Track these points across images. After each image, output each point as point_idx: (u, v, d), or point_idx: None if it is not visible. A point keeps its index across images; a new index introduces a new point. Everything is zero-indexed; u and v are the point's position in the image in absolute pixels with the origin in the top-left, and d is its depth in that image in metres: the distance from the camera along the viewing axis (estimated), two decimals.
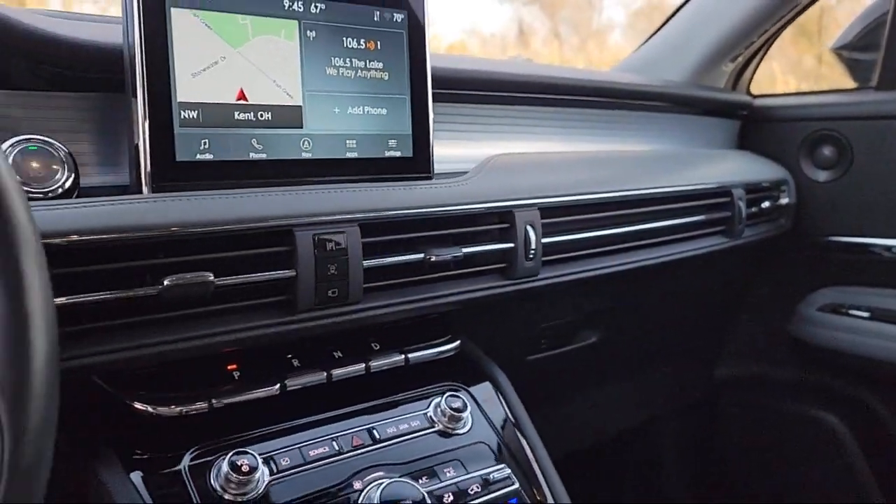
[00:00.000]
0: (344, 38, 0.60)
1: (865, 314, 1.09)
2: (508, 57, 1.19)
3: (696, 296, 1.12)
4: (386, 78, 0.62)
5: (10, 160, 0.48)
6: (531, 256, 0.69)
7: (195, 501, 0.48)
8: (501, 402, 0.66)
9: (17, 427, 0.28)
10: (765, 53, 1.19)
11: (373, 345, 0.63)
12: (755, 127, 1.17)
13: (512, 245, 0.68)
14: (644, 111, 1.02)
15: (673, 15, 1.20)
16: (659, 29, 1.22)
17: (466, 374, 0.67)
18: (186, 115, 0.52)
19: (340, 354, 0.61)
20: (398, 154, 0.63)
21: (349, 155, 0.61)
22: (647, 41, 1.24)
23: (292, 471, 0.52)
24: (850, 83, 1.22)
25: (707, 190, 0.92)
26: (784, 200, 1.09)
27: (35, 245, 0.31)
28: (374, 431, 0.58)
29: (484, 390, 0.67)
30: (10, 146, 0.49)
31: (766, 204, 1.04)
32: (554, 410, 1.01)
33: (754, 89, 1.22)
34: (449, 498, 0.55)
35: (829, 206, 1.11)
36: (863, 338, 1.08)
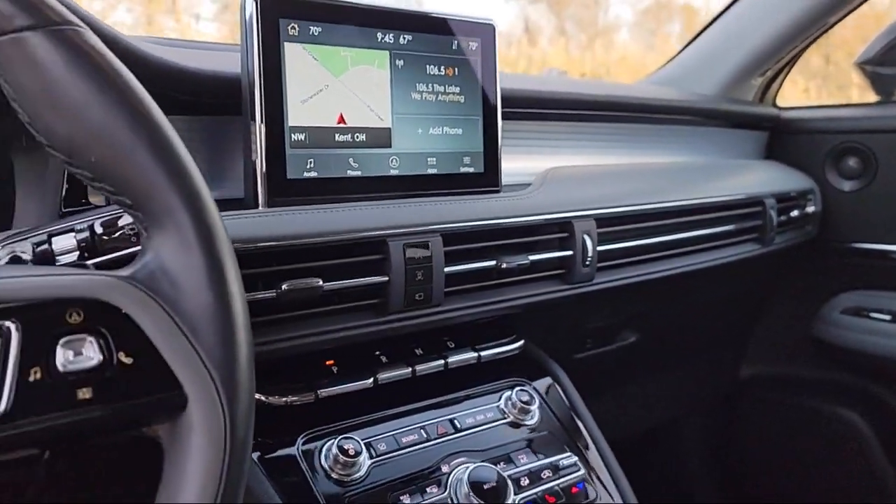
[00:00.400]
0: (427, 66, 0.66)
1: (887, 317, 1.15)
2: (541, 70, 1.25)
3: (724, 298, 1.18)
4: (462, 101, 0.69)
5: None
6: (587, 263, 0.75)
7: (309, 479, 0.55)
8: (562, 396, 0.73)
9: (233, 403, 0.34)
10: (792, 67, 1.24)
11: (448, 343, 0.69)
12: (782, 138, 1.23)
13: (571, 253, 0.74)
14: (679, 125, 1.08)
15: (704, 29, 1.26)
16: (690, 43, 1.28)
17: (530, 370, 0.74)
18: (296, 138, 0.59)
19: (421, 351, 0.67)
20: (471, 170, 0.70)
21: (430, 171, 0.67)
22: (678, 54, 1.30)
23: (389, 455, 0.59)
24: (873, 96, 1.28)
25: (741, 200, 0.98)
26: (810, 209, 1.15)
27: (230, 244, 0.37)
28: (456, 421, 0.64)
29: (546, 385, 0.73)
30: None
31: (794, 213, 1.10)
32: (593, 406, 1.07)
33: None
34: (525, 482, 0.62)
35: (853, 214, 1.17)
36: (884, 339, 1.14)
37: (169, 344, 0.34)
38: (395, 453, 0.59)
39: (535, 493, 0.61)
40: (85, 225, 0.43)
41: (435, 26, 0.66)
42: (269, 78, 0.57)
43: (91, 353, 0.32)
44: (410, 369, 0.65)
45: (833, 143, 1.18)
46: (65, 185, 0.55)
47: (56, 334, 0.32)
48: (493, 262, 0.68)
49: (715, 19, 1.24)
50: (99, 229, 0.43)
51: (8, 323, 0.31)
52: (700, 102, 1.11)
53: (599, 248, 0.76)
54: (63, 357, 0.32)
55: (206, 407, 0.34)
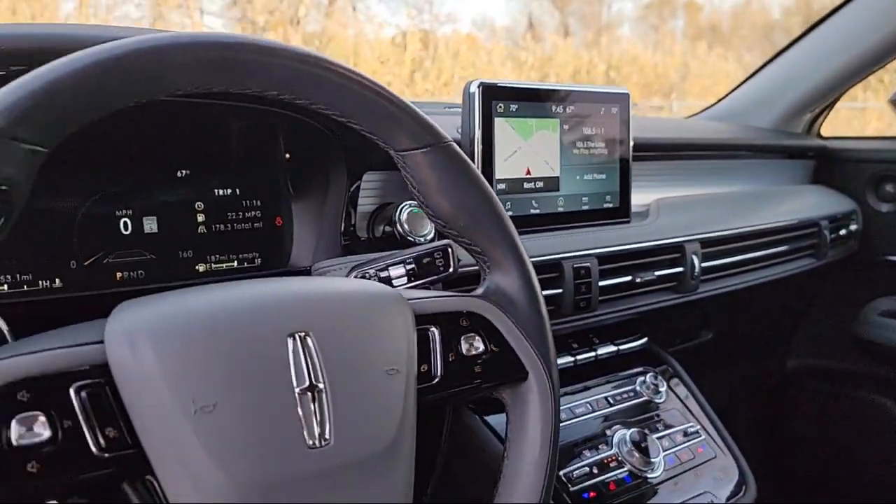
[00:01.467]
0: (583, 129, 0.86)
1: None
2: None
3: (778, 302, 1.38)
4: (606, 153, 0.89)
5: (406, 215, 0.75)
6: (694, 277, 0.95)
7: None
8: (681, 380, 0.93)
9: (551, 373, 0.54)
10: (836, 102, 1.44)
11: (594, 339, 0.90)
12: (828, 165, 1.43)
13: (683, 269, 0.94)
14: (743, 158, 1.28)
15: (760, 69, 1.46)
16: (746, 80, 1.48)
17: (653, 360, 0.94)
18: (499, 187, 0.79)
19: (577, 346, 0.88)
20: (611, 205, 0.90)
21: (584, 207, 0.87)
22: (735, 89, 1.49)
23: (568, 421, 0.79)
24: None
25: (803, 222, 1.18)
26: (854, 227, 1.34)
27: (534, 273, 0.57)
28: (609, 398, 0.85)
29: (665, 371, 0.94)
30: (406, 205, 0.75)
31: (842, 231, 1.30)
32: None
33: None
34: (666, 443, 0.82)
35: (890, 231, 1.37)
36: None
37: (513, 337, 0.54)
38: (571, 420, 0.80)
39: (673, 452, 0.82)
40: (410, 258, 0.63)
41: (589, 98, 0.87)
42: (485, 143, 0.77)
43: (479, 345, 0.53)
44: (573, 359, 0.85)
45: (873, 171, 1.38)
46: (345, 226, 0.76)
47: (457, 333, 0.52)
48: (629, 278, 0.88)
49: (770, 61, 1.44)
50: (421, 261, 0.63)
51: (433, 328, 0.51)
52: (760, 139, 1.31)
53: (703, 265, 0.97)
54: (465, 346, 0.52)
55: (538, 376, 0.54)
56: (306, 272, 0.74)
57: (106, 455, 0.39)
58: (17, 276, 0.64)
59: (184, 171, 0.73)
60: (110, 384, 0.40)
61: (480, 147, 0.77)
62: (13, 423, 0.36)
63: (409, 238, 0.75)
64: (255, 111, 0.73)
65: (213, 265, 0.75)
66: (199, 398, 0.40)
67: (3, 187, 0.38)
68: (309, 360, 0.43)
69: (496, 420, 0.76)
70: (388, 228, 0.77)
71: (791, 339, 1.51)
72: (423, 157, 0.53)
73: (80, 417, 0.38)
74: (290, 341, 0.43)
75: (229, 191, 0.76)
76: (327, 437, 0.42)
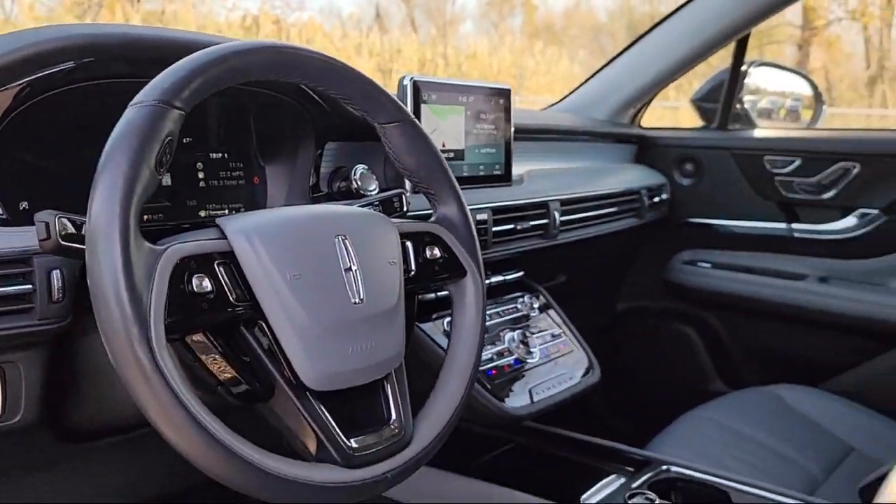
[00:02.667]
0: (480, 114, 1.15)
1: (709, 265, 1.78)
2: None
3: (611, 254, 1.76)
4: (495, 133, 1.18)
5: (359, 174, 1.00)
6: (556, 227, 1.28)
7: None
8: (547, 302, 1.25)
9: (480, 272, 0.82)
10: (651, 101, 1.84)
11: (487, 271, 1.19)
12: (645, 149, 1.82)
13: (548, 221, 1.26)
14: (586, 141, 1.64)
15: (595, 73, 1.82)
16: (585, 81, 1.84)
17: (527, 288, 1.26)
18: None
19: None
20: (499, 173, 1.20)
21: (480, 173, 1.16)
22: (577, 89, 1.85)
23: None
24: (700, 122, 1.90)
25: (629, 190, 1.55)
26: (664, 196, 1.74)
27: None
28: (500, 312, 1.15)
29: (537, 296, 1.26)
30: (359, 167, 1.00)
31: (656, 199, 1.69)
32: None
33: None
34: (540, 340, 1.14)
35: (690, 199, 1.79)
36: (708, 280, 1.77)
37: (456, 248, 0.81)
38: None
39: (545, 346, 1.14)
40: (377, 201, 0.89)
41: (484, 92, 1.16)
42: None
43: (437, 252, 0.79)
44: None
45: (677, 154, 1.79)
46: (311, 182, 0.99)
47: (423, 244, 0.79)
48: (512, 226, 1.19)
49: (603, 67, 1.81)
50: (384, 203, 0.89)
51: (407, 241, 0.77)
52: (599, 127, 1.68)
53: (561, 219, 1.29)
54: (428, 252, 0.79)
55: (473, 274, 0.82)
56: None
57: (238, 304, 0.62)
58: None
59: (188, 139, 0.94)
60: (235, 263, 0.63)
61: None
62: (193, 278, 0.59)
63: (362, 192, 1.00)
64: (229, 91, 0.94)
65: (211, 212, 0.96)
66: (291, 271, 0.64)
67: (168, 139, 0.60)
68: (347, 252, 0.69)
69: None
70: (343, 185, 1.02)
71: (620, 285, 1.91)
72: (396, 128, 0.79)
73: (223, 281, 0.62)
74: (336, 240, 0.68)
75: (220, 154, 0.97)
76: (362, 297, 0.68)
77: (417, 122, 0.81)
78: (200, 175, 0.95)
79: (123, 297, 0.53)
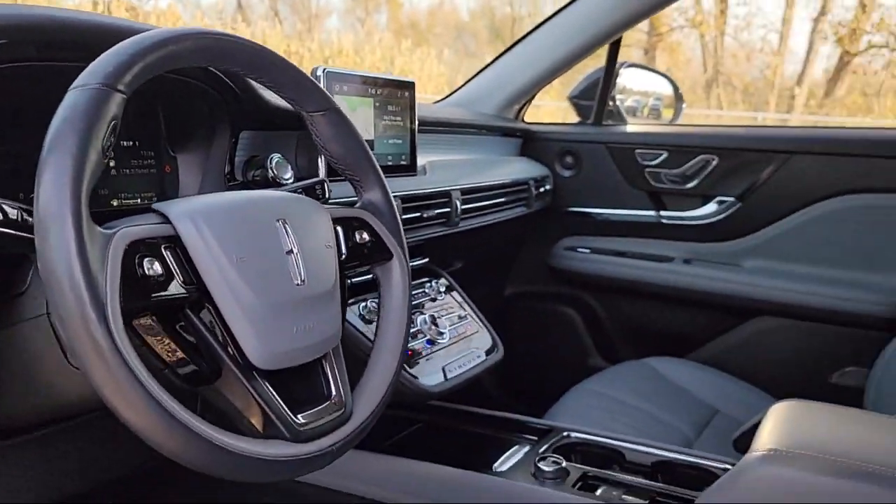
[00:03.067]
0: (388, 106, 1.19)
1: (587, 250, 1.91)
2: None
3: (502, 241, 1.85)
4: (401, 125, 1.22)
5: (274, 163, 1.00)
6: (457, 215, 1.34)
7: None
8: (452, 286, 1.31)
9: (405, 256, 0.86)
10: (533, 98, 1.94)
11: None
12: (530, 142, 1.93)
13: (450, 209, 1.32)
14: (477, 135, 1.71)
15: (480, 72, 1.90)
16: (471, 79, 1.92)
17: (432, 274, 1.31)
18: None
19: None
20: (405, 163, 1.24)
21: (388, 163, 1.20)
22: (463, 86, 1.92)
23: None
24: (576, 118, 2.03)
25: (517, 181, 1.64)
26: (548, 187, 1.86)
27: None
28: (415, 293, 1.19)
29: (443, 280, 1.31)
30: (274, 156, 1.00)
31: (542, 189, 1.80)
32: None
33: None
34: (448, 322, 1.19)
35: (570, 190, 1.91)
36: (585, 264, 1.90)
37: (382, 232, 0.85)
38: None
39: (454, 327, 1.19)
40: (300, 189, 0.90)
41: (390, 84, 1.19)
42: None
43: (365, 237, 0.82)
44: None
45: (558, 147, 1.91)
46: (226, 171, 0.98)
47: (352, 229, 0.81)
48: (419, 213, 1.23)
49: (491, 63, 1.89)
50: (308, 191, 0.90)
51: (337, 226, 0.80)
52: (489, 121, 1.75)
53: (462, 207, 1.35)
54: (357, 237, 0.81)
55: (398, 257, 0.85)
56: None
57: (185, 287, 0.62)
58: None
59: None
60: (181, 246, 0.63)
61: None
62: (144, 262, 0.59)
63: (278, 180, 1.01)
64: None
65: (123, 201, 0.93)
66: (237, 254, 0.65)
67: (114, 122, 0.60)
68: (288, 235, 0.70)
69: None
70: (258, 174, 1.02)
71: (508, 271, 2.01)
72: (323, 117, 0.81)
73: (170, 264, 0.62)
74: (277, 224, 0.70)
75: (132, 143, 0.95)
76: (304, 279, 0.70)
77: (342, 111, 0.83)
78: (112, 163, 0.92)
79: (79, 282, 0.53)
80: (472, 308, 1.30)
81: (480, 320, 1.29)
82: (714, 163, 1.73)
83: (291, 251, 0.70)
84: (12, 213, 0.59)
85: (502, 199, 1.55)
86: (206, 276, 0.64)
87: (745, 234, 1.74)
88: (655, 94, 2.16)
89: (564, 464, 0.99)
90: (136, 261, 0.59)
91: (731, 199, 1.75)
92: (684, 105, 2.12)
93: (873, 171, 1.57)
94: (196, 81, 0.93)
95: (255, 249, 0.67)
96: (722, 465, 1.03)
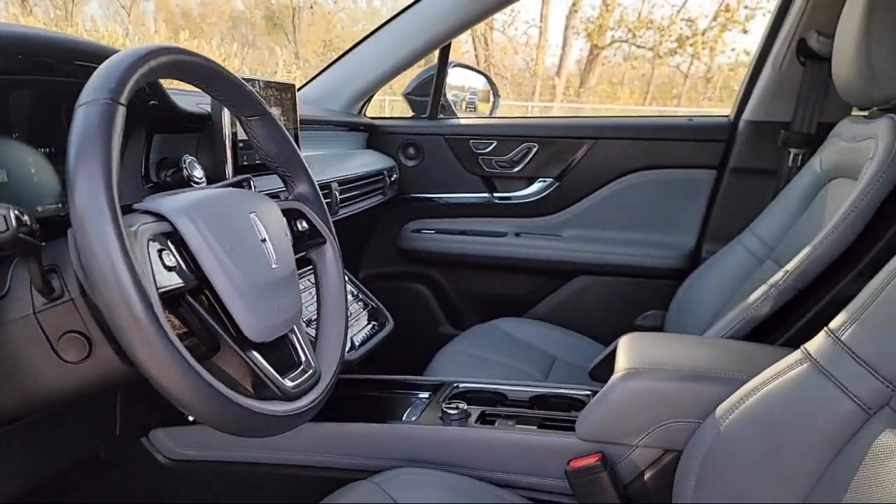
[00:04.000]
0: (271, 108, 1.27)
1: (432, 231, 2.11)
2: None
3: (360, 228, 1.98)
4: (286, 123, 1.31)
5: (188, 163, 1.05)
6: (337, 203, 1.45)
7: None
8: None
9: (335, 240, 0.98)
10: (373, 96, 2.08)
11: None
12: (375, 136, 2.07)
13: (331, 199, 1.43)
14: (329, 130, 1.82)
15: (322, 71, 2.00)
16: (321, 73, 2.01)
17: None
18: (240, 144, 1.15)
19: None
20: None
21: None
22: (315, 77, 2.00)
23: None
24: (410, 113, 2.20)
25: (375, 171, 1.78)
26: (395, 176, 2.01)
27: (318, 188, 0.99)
28: (305, 279, 1.29)
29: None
30: (186, 156, 1.05)
31: (392, 178, 1.95)
32: None
33: None
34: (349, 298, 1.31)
35: (414, 178, 2.08)
36: (431, 243, 2.09)
37: (315, 220, 0.96)
38: None
39: (353, 303, 1.32)
40: (231, 187, 0.97)
41: (274, 87, 1.27)
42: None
43: (305, 225, 0.93)
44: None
45: (401, 140, 2.07)
46: (143, 173, 1.01)
47: (294, 218, 0.91)
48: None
49: (333, 63, 2.00)
50: (237, 187, 0.98)
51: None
52: (340, 118, 1.87)
53: (340, 197, 1.47)
54: (298, 225, 0.91)
55: (330, 239, 0.97)
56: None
57: (190, 275, 0.70)
58: None
59: (16, 133, 0.90)
60: (181, 240, 0.71)
61: (230, 118, 1.12)
62: (162, 254, 0.66)
63: (193, 179, 1.06)
64: (36, 84, 0.93)
65: (47, 206, 0.94)
66: (227, 244, 0.74)
67: (122, 131, 0.66)
68: (260, 226, 0.80)
69: None
70: (170, 174, 1.06)
71: (362, 254, 2.14)
72: (258, 121, 0.91)
73: (177, 255, 0.69)
74: (251, 216, 0.79)
75: (48, 149, 0.95)
76: (276, 263, 0.80)
77: (273, 116, 0.93)
78: (33, 170, 0.92)
79: (125, 274, 0.60)
80: (360, 287, 1.43)
81: (369, 297, 1.42)
82: (535, 149, 2.00)
83: (265, 239, 0.80)
84: (25, 219, 0.63)
85: (368, 189, 1.68)
86: (204, 264, 0.72)
87: (563, 208, 2.04)
88: (472, 90, 2.40)
89: (465, 406, 1.17)
90: (157, 253, 0.66)
91: (551, 179, 2.03)
92: (500, 99, 2.39)
93: (659, 152, 1.93)
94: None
95: (239, 239, 0.76)
96: (583, 392, 1.26)
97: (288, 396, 0.77)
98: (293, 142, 0.95)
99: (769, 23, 1.81)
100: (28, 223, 0.63)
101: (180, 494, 1.22)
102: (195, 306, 0.72)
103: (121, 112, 0.65)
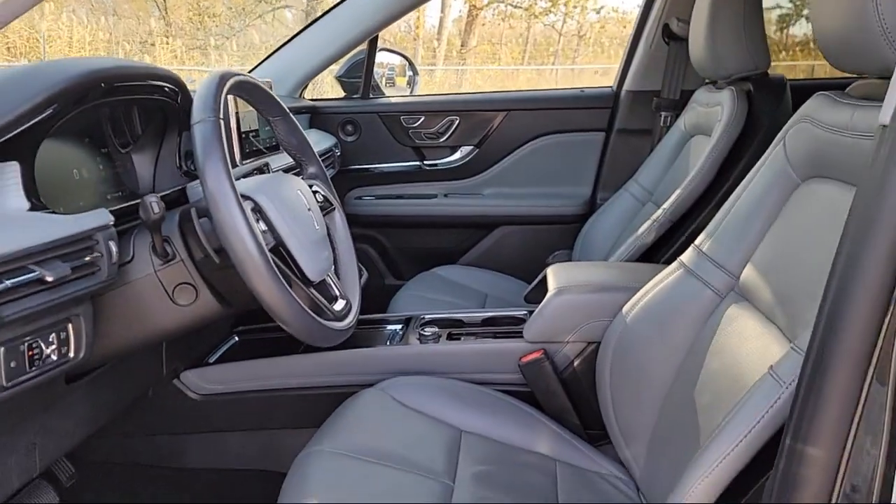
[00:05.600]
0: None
1: (372, 197, 2.39)
2: None
3: None
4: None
5: None
6: None
7: None
8: None
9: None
10: (310, 81, 2.32)
11: None
12: (315, 117, 2.32)
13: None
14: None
15: (268, 57, 2.22)
16: (262, 62, 2.22)
17: None
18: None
19: None
20: (275, 143, 1.58)
21: (268, 144, 1.53)
22: (255, 68, 2.22)
23: None
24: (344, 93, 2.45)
25: (328, 148, 2.05)
26: (338, 153, 2.28)
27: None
28: None
29: None
30: None
31: (337, 153, 2.21)
32: None
33: None
34: None
35: (353, 152, 2.35)
36: (372, 208, 2.38)
37: (325, 192, 1.24)
38: None
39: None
40: (255, 170, 1.23)
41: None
42: None
43: (321, 196, 1.21)
44: None
45: (339, 119, 2.33)
46: (177, 163, 1.25)
47: (314, 195, 1.20)
48: None
49: (271, 55, 2.22)
50: (260, 170, 1.24)
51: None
52: (287, 101, 2.10)
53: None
54: (318, 197, 1.20)
55: (338, 206, 1.26)
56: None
57: (271, 235, 0.98)
58: None
59: (87, 139, 1.13)
60: (262, 211, 0.99)
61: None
62: (259, 221, 0.94)
63: None
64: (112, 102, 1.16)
65: (110, 195, 1.17)
66: (290, 213, 1.02)
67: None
68: (304, 199, 1.08)
69: None
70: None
71: None
72: (281, 120, 1.18)
73: (262, 223, 0.97)
74: (297, 192, 1.07)
75: (105, 149, 1.18)
76: (319, 226, 1.09)
77: (290, 115, 1.20)
78: (100, 167, 1.16)
79: (251, 238, 0.88)
80: None
81: None
82: (457, 122, 2.32)
83: (310, 209, 1.08)
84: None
85: (326, 165, 1.94)
86: (279, 228, 1.00)
87: (483, 170, 2.38)
88: (390, 66, 2.68)
89: (437, 329, 1.50)
90: (257, 221, 0.94)
91: (471, 146, 2.37)
92: (418, 77, 2.68)
93: (559, 118, 2.30)
94: (157, 98, 1.20)
95: (296, 209, 1.04)
96: (521, 312, 1.61)
97: (337, 318, 1.07)
98: (305, 135, 1.23)
99: (640, 10, 2.20)
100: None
101: (212, 423, 1.49)
102: (275, 258, 1.01)
103: (221, 124, 0.92)
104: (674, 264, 1.26)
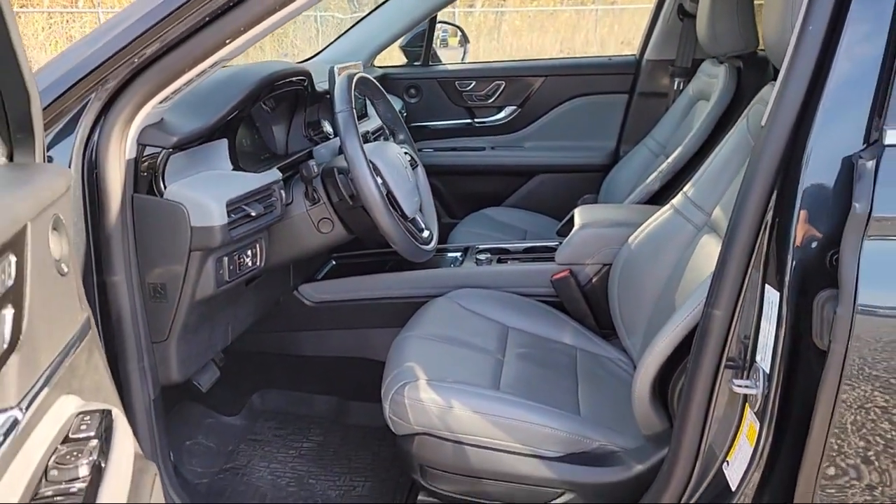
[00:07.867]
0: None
1: (432, 150, 2.81)
2: None
3: None
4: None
5: None
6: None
7: None
8: None
9: None
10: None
11: None
12: (383, 81, 2.71)
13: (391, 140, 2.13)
14: None
15: (346, 32, 2.62)
16: (340, 37, 2.62)
17: None
18: None
19: None
20: (364, 111, 2.01)
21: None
22: (331, 44, 2.62)
23: None
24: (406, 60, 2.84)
25: (401, 109, 2.47)
26: (405, 114, 2.69)
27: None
28: None
29: None
30: None
31: (404, 116, 2.63)
32: None
33: None
34: None
35: (417, 111, 2.75)
36: (434, 158, 2.80)
37: (412, 153, 1.68)
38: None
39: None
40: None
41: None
42: None
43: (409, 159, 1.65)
44: None
45: (405, 84, 2.73)
46: (303, 131, 1.69)
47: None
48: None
49: (349, 30, 2.61)
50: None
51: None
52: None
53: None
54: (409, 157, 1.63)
55: (420, 164, 1.69)
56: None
57: (384, 187, 1.43)
58: None
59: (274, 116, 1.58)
60: (378, 169, 1.43)
61: None
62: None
63: (328, 135, 1.75)
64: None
65: (262, 158, 1.61)
66: (397, 170, 1.46)
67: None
68: (404, 159, 1.52)
69: None
70: (316, 132, 1.74)
71: None
72: (382, 102, 1.61)
73: (378, 177, 1.42)
74: (401, 155, 1.51)
75: (257, 125, 1.63)
76: (411, 177, 1.53)
77: (388, 98, 1.63)
78: (256, 137, 1.61)
79: (375, 188, 1.33)
80: None
81: None
82: (503, 86, 2.71)
83: (406, 167, 1.52)
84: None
85: None
86: (390, 182, 1.44)
87: (524, 127, 2.77)
88: (443, 28, 3.03)
89: (489, 255, 1.94)
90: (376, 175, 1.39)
91: (514, 107, 2.76)
92: (468, 45, 3.05)
93: (590, 82, 2.67)
94: (293, 85, 1.63)
95: (397, 168, 1.48)
96: (554, 243, 2.03)
97: (426, 242, 1.52)
98: (396, 111, 1.65)
99: None
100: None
101: (321, 323, 1.97)
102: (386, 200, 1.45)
103: (354, 112, 1.35)
104: (667, 206, 1.66)
